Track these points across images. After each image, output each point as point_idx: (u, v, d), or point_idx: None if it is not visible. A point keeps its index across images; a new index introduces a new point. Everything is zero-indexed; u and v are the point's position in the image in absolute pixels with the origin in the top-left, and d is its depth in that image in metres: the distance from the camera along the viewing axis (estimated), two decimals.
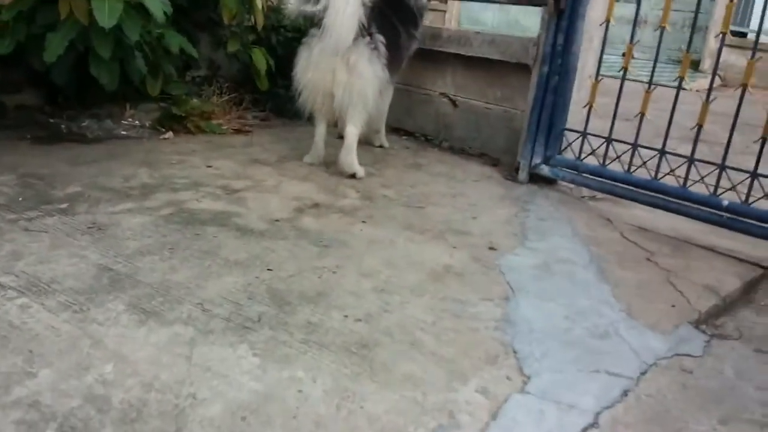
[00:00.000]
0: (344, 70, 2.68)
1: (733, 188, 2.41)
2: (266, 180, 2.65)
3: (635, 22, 2.67)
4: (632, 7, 2.63)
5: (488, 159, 3.36)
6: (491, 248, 2.12)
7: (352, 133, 2.78)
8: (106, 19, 2.26)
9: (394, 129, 3.80)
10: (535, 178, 3.02)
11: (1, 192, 2.15)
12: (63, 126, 3.03)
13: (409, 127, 3.79)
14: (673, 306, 1.80)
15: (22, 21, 2.47)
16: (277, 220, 2.18)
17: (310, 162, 2.97)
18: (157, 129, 3.23)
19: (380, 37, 2.75)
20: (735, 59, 5.29)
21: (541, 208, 2.66)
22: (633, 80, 2.61)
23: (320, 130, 2.93)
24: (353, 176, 2.79)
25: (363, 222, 2.25)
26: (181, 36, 3.04)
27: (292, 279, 1.73)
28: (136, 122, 3.23)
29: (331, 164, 2.94)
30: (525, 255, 2.08)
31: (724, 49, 2.48)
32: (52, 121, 3.05)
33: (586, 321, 1.65)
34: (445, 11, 10.81)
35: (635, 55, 2.70)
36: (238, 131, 3.46)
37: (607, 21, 2.72)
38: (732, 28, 2.47)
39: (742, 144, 2.61)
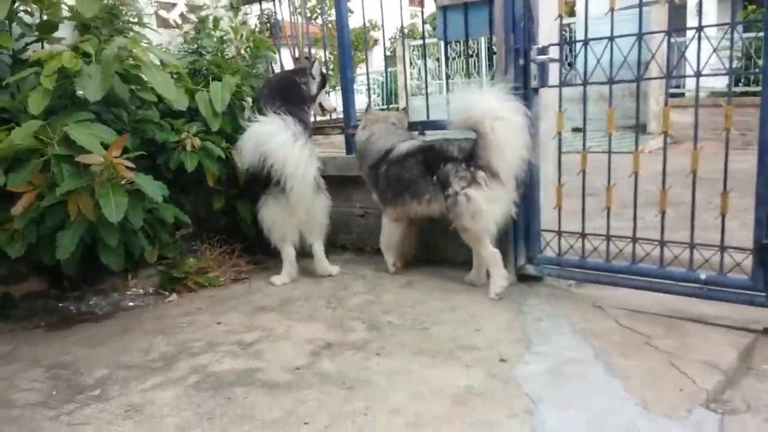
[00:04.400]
0: (305, 212, 3.45)
1: (706, 261, 2.66)
2: (275, 327, 2.77)
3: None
4: (578, 89, 2.98)
5: None
6: (502, 360, 2.26)
7: (320, 247, 3.58)
8: (114, 215, 2.47)
9: (380, 250, 4.01)
10: (522, 278, 3.22)
11: (34, 389, 2.24)
12: (72, 308, 3.15)
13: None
14: (681, 390, 1.94)
15: (31, 225, 2.66)
16: (297, 368, 2.29)
17: (288, 281, 3.50)
18: (161, 293, 3.37)
19: (322, 181, 3.54)
20: (678, 117, 5.84)
21: (535, 308, 2.82)
22: (591, 152, 2.94)
23: (290, 252, 3.54)
24: (330, 275, 3.55)
25: (377, 354, 2.38)
26: (173, 207, 3.24)
27: (330, 430, 1.83)
28: (140, 290, 3.37)
29: (330, 299, 3.11)
30: (535, 362, 2.22)
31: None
32: (61, 305, 3.18)
33: (607, 422, 1.78)
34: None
35: (588, 128, 3.02)
36: (236, 280, 3.62)
37: (559, 133, 3.05)
38: (670, 90, 2.84)
39: (704, 200, 2.80)
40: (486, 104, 2.85)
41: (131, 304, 3.24)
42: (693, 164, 2.63)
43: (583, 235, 3.02)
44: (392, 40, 12.97)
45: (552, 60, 3.04)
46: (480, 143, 2.94)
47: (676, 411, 1.81)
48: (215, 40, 4.26)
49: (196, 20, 4.37)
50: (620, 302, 2.81)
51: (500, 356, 2.29)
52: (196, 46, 4.26)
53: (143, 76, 3.01)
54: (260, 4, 4.81)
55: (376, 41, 18.61)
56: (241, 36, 4.33)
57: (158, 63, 3.12)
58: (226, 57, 4.27)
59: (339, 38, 4.01)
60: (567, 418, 1.81)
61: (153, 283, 3.47)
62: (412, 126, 3.78)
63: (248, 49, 4.37)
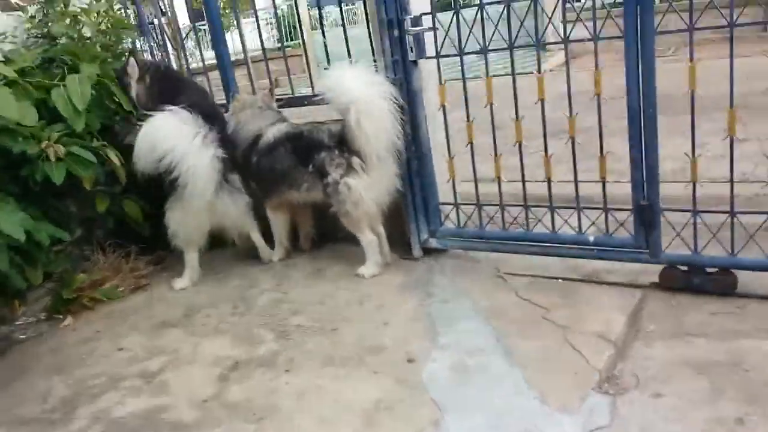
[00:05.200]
0: (215, 213, 3.28)
1: (592, 224, 2.76)
2: (180, 347, 2.66)
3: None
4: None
5: None
6: (410, 360, 2.28)
7: (258, 237, 3.47)
8: None
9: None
10: (428, 251, 3.24)
11: None
12: None
13: None
14: (576, 373, 2.03)
15: None
16: (205, 401, 2.23)
17: (189, 285, 3.36)
18: (54, 317, 3.15)
19: (235, 178, 3.34)
20: (576, 32, 5.90)
21: (441, 288, 2.84)
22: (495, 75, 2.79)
23: (194, 257, 3.40)
24: (271, 260, 3.46)
25: (286, 371, 2.34)
26: (48, 224, 2.97)
27: None
28: (32, 318, 3.14)
29: (237, 302, 3.02)
30: (440, 358, 2.25)
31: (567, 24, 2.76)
32: None
33: (510, 423, 1.84)
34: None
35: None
36: (136, 288, 3.42)
37: (443, 105, 3.00)
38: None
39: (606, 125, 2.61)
40: (352, 94, 2.80)
41: (23, 336, 3.02)
42: (570, 131, 2.67)
43: (479, 206, 3.05)
44: None
45: (427, 30, 2.94)
46: (348, 131, 2.92)
47: (570, 401, 1.90)
48: (67, 22, 3.79)
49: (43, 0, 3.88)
50: (522, 266, 2.87)
51: (408, 356, 2.30)
52: (46, 29, 3.79)
53: None
54: None
55: None
56: (96, 15, 3.89)
57: None
58: (85, 39, 3.84)
59: (205, 7, 3.69)
60: (471, 424, 1.86)
61: (44, 305, 3.24)
62: (295, 101, 3.62)
63: (108, 29, 3.95)
